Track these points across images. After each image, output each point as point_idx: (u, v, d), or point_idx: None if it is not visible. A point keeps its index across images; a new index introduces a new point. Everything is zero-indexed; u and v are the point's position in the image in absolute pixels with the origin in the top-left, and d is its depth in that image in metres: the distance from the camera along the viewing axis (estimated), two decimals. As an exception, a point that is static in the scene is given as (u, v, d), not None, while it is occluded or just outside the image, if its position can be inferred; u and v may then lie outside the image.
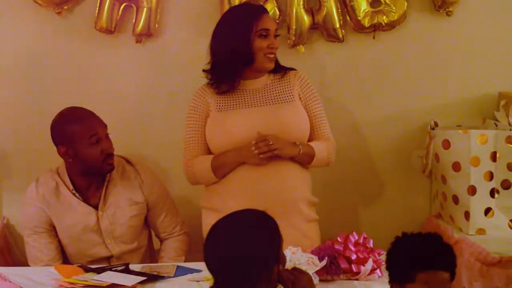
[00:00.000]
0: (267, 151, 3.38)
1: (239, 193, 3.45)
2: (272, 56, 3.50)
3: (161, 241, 3.81)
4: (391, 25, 4.16)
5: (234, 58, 3.46)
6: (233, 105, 3.51)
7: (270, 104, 3.52)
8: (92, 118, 3.59)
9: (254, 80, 3.54)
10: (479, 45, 4.22)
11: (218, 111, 3.51)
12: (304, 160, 3.50)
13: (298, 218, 3.51)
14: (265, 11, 3.55)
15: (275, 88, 3.55)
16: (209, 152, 3.56)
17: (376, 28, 4.14)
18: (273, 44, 3.49)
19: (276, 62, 3.55)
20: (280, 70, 3.59)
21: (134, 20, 4.08)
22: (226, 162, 3.48)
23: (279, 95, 3.54)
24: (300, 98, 3.56)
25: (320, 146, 3.54)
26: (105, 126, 3.60)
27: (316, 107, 3.58)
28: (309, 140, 3.55)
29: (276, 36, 3.52)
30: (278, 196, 3.45)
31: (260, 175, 3.46)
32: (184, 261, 3.64)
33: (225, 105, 3.52)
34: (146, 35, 4.10)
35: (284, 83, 3.57)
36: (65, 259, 3.69)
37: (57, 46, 4.11)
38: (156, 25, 4.09)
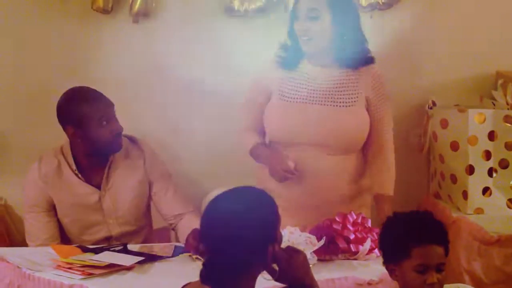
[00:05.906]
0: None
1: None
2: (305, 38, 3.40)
3: (173, 227, 3.71)
4: (389, 4, 4.14)
5: None
6: (296, 96, 3.41)
7: (333, 106, 3.39)
8: (101, 98, 3.54)
9: (322, 69, 3.43)
10: (476, 23, 4.21)
11: (280, 98, 3.43)
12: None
13: None
14: None
15: (341, 86, 3.41)
16: (262, 128, 3.53)
17: (373, 7, 4.13)
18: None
19: (353, 55, 3.41)
20: (354, 64, 3.43)
21: (131, 0, 4.06)
22: (259, 156, 3.50)
23: (344, 96, 3.40)
24: (367, 98, 3.43)
25: (386, 181, 3.55)
26: (113, 105, 3.55)
27: (381, 110, 3.47)
28: (364, 145, 3.50)
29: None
30: (314, 211, 3.39)
31: (302, 191, 3.41)
32: None
33: (287, 93, 3.43)
34: (143, 14, 4.08)
35: (353, 81, 3.43)
36: (64, 239, 3.69)
37: (53, 26, 4.10)
38: (153, 5, 4.08)
